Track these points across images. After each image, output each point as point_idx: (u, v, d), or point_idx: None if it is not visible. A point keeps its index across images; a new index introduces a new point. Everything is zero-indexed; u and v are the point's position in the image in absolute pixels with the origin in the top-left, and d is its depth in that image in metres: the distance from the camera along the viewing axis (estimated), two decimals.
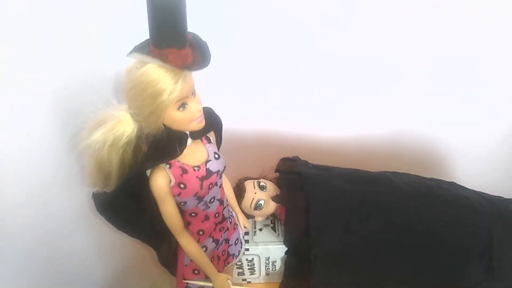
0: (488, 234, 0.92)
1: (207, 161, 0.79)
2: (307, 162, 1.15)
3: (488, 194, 1.03)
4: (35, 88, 0.77)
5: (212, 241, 0.86)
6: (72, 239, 0.96)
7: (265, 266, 1.09)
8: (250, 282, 1.12)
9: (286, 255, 1.04)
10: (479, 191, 1.04)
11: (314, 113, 1.29)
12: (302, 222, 0.97)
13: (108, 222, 0.84)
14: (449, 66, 1.16)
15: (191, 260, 0.85)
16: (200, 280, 0.89)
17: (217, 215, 0.85)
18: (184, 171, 0.76)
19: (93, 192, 0.79)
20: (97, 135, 0.68)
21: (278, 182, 1.10)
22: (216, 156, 0.81)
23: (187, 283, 0.90)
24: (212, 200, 0.82)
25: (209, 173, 0.78)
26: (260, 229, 1.10)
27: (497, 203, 0.99)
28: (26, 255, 0.84)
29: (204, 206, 0.82)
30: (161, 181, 0.74)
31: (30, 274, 0.86)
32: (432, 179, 1.08)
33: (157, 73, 0.62)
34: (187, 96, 0.67)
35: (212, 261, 0.87)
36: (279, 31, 1.10)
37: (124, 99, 0.68)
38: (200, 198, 0.79)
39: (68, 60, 0.82)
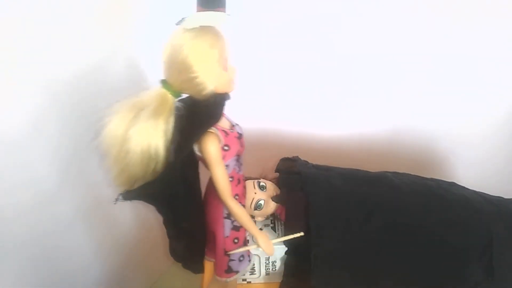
0: (488, 234, 0.91)
1: (233, 125, 0.88)
2: (307, 162, 1.15)
3: (488, 194, 1.03)
4: (37, 88, 0.77)
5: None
6: (72, 238, 0.96)
7: (265, 266, 1.08)
8: (250, 282, 1.12)
9: (286, 255, 1.04)
10: (479, 191, 1.04)
11: (314, 113, 1.29)
12: (302, 222, 0.97)
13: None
14: (450, 66, 1.16)
15: (231, 229, 0.91)
16: (241, 247, 0.94)
17: (242, 178, 0.92)
18: (225, 133, 0.82)
19: (123, 192, 0.76)
20: (141, 124, 0.70)
21: (278, 182, 1.10)
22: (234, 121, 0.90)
23: (229, 256, 0.93)
24: (242, 161, 0.89)
25: (239, 133, 0.86)
26: (260, 229, 1.10)
27: (497, 203, 0.98)
28: (26, 254, 0.84)
29: (238, 168, 0.88)
30: (216, 143, 0.79)
31: (29, 273, 0.86)
32: (432, 179, 1.08)
33: (211, 33, 0.70)
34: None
35: None
36: (279, 31, 1.10)
37: (173, 71, 0.72)
38: (238, 159, 0.86)
39: (72, 61, 0.82)
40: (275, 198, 1.04)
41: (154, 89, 0.74)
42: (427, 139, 1.32)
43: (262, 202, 1.03)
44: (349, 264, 0.95)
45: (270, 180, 1.11)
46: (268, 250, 0.92)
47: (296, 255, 0.99)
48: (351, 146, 1.35)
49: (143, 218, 1.20)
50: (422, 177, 1.09)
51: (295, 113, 1.29)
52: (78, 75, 0.84)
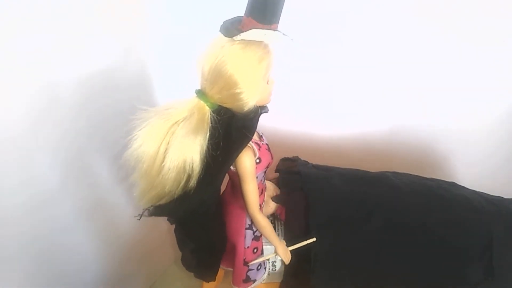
0: (488, 234, 0.91)
1: (260, 135, 0.87)
2: (307, 162, 1.15)
3: (488, 194, 1.03)
4: (39, 88, 0.76)
5: None
6: (72, 238, 0.96)
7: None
8: None
9: None
10: (479, 191, 1.04)
11: (314, 113, 1.29)
12: (302, 222, 0.97)
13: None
14: (449, 66, 1.16)
15: (252, 240, 0.92)
16: (260, 257, 0.95)
17: (264, 187, 0.93)
18: (258, 145, 0.81)
19: (151, 208, 0.74)
20: (179, 139, 0.67)
21: (278, 182, 1.10)
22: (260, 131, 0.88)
23: (248, 266, 0.94)
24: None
25: (267, 145, 0.86)
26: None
27: (497, 203, 0.99)
28: (26, 253, 0.83)
29: (263, 179, 0.88)
30: (252, 158, 0.78)
31: (29, 273, 0.86)
32: (432, 179, 1.08)
33: (259, 47, 0.67)
34: None
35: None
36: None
37: (216, 85, 0.68)
38: (265, 171, 0.85)
39: (75, 62, 0.82)
40: (275, 198, 1.04)
41: (189, 100, 0.70)
42: (427, 139, 1.32)
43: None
44: (349, 264, 0.95)
45: (270, 180, 1.11)
46: (286, 258, 0.94)
47: (296, 255, 0.99)
48: (351, 146, 1.35)
49: (143, 217, 1.20)
50: (422, 177, 1.09)
51: (295, 113, 1.29)
52: (81, 76, 0.84)
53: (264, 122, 1.29)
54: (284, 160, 1.16)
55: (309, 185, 1.00)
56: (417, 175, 1.10)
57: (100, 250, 1.06)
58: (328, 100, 1.25)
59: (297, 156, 1.17)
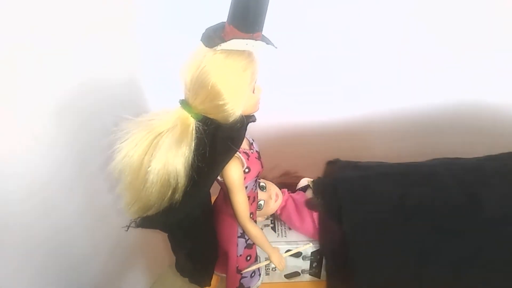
0: None
1: (251, 143, 0.84)
2: (349, 162, 1.11)
3: None
4: (40, 88, 0.76)
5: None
6: (72, 238, 0.96)
7: (265, 266, 1.08)
8: None
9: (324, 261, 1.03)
10: None
11: (315, 113, 1.28)
12: (337, 226, 0.94)
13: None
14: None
15: (244, 248, 0.90)
16: (253, 264, 0.94)
17: (257, 195, 0.90)
18: (247, 155, 0.78)
19: (137, 219, 0.73)
20: (162, 151, 0.65)
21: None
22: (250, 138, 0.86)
23: (241, 274, 0.92)
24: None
25: (258, 152, 0.84)
26: (261, 229, 1.10)
27: None
28: (26, 253, 0.83)
29: (255, 188, 0.86)
30: (239, 168, 0.75)
31: (29, 271, 0.85)
32: (497, 158, 1.00)
33: (243, 56, 0.64)
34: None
35: None
36: (278, 31, 1.09)
37: (199, 96, 0.66)
38: (256, 179, 0.83)
39: (75, 61, 0.82)
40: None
41: (173, 110, 0.68)
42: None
43: (262, 202, 1.03)
44: (390, 272, 0.91)
45: (270, 180, 1.11)
46: (281, 266, 0.92)
47: (334, 260, 0.97)
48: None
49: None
50: (483, 160, 1.01)
51: (295, 113, 1.29)
52: (81, 82, 0.83)
53: (264, 123, 1.29)
54: (328, 163, 1.14)
55: (342, 190, 0.97)
56: (477, 158, 1.01)
57: (99, 250, 1.06)
58: (327, 97, 1.24)
59: (338, 159, 1.14)
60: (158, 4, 1.00)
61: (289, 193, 1.10)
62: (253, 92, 0.71)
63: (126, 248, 1.16)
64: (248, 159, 0.79)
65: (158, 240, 1.27)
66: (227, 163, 0.73)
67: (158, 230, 0.82)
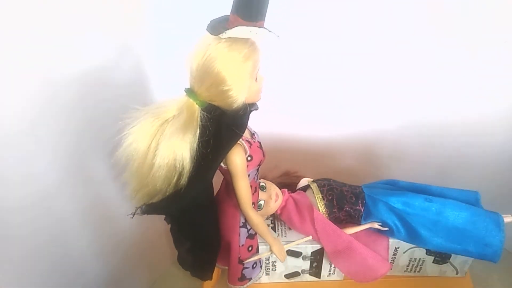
0: None
1: (253, 133, 0.86)
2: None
3: None
4: (37, 85, 0.76)
5: None
6: (72, 238, 0.96)
7: (265, 266, 1.08)
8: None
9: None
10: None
11: (314, 113, 1.28)
12: None
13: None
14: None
15: (246, 237, 0.91)
16: (255, 255, 0.95)
17: (258, 185, 0.92)
18: (249, 143, 0.81)
19: (142, 206, 0.75)
20: (168, 137, 0.67)
21: (278, 183, 1.09)
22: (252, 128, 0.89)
23: (243, 264, 0.94)
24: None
25: (260, 142, 0.86)
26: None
27: None
28: (27, 255, 0.84)
29: (256, 177, 0.87)
30: (243, 155, 0.78)
31: (27, 270, 0.86)
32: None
33: (246, 44, 0.67)
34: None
35: None
36: (278, 31, 1.09)
37: (204, 83, 0.68)
38: (258, 168, 0.85)
39: (76, 60, 0.82)
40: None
41: (179, 98, 0.71)
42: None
43: (262, 202, 1.03)
44: None
45: (270, 180, 1.11)
46: (282, 256, 0.94)
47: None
48: (353, 146, 1.34)
49: (143, 216, 1.20)
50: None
51: (295, 113, 1.28)
52: (80, 72, 0.84)
53: (264, 123, 1.30)
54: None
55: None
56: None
57: (99, 250, 1.06)
58: (328, 100, 1.24)
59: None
60: None
61: (289, 193, 1.10)
62: (256, 80, 0.74)
63: (126, 248, 1.16)
64: (250, 147, 0.81)
65: (159, 240, 1.27)
66: (231, 148, 0.76)
67: (160, 231, 0.82)
